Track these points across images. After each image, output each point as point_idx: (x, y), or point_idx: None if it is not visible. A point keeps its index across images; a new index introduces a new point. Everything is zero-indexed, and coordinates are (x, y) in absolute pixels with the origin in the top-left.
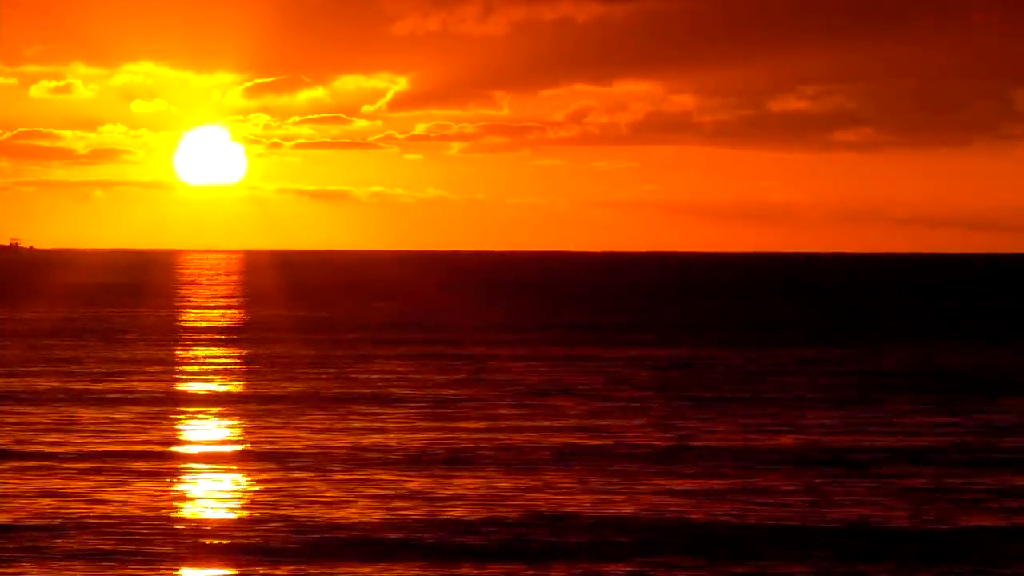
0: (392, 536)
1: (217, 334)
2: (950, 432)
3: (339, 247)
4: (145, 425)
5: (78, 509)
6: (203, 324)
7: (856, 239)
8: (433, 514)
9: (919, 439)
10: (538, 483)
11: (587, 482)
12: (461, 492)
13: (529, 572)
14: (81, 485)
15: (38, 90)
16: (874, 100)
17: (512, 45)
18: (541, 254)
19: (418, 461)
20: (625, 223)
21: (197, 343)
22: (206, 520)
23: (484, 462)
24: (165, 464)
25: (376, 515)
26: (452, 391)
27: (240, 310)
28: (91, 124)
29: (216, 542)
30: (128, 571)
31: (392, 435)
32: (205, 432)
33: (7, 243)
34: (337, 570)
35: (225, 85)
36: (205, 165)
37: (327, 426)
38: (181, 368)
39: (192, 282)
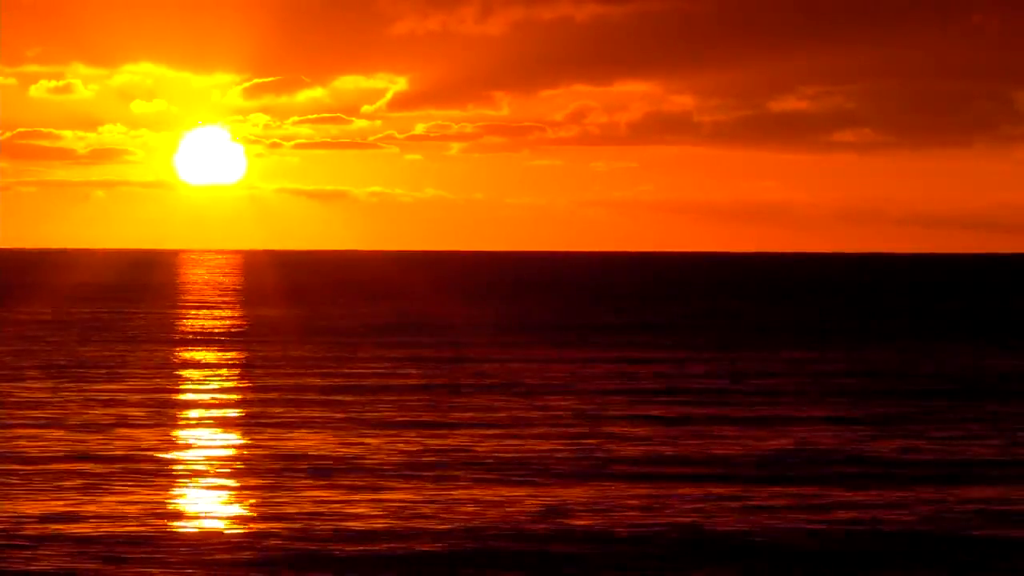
0: (400, 547)
1: (215, 335)
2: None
3: (338, 247)
4: (139, 429)
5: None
6: (201, 325)
7: (855, 239)
8: (445, 524)
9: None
10: (552, 491)
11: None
12: (471, 500)
13: None
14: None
15: (38, 90)
16: (874, 100)
17: (511, 45)
18: (540, 254)
19: (425, 468)
20: (624, 223)
21: (195, 344)
22: (202, 532)
23: (494, 469)
24: (158, 471)
25: (384, 525)
26: (460, 398)
27: (239, 310)
28: (91, 124)
29: (213, 557)
30: None
31: (399, 440)
32: (201, 438)
33: None
34: None
35: (224, 85)
36: (205, 165)
37: (328, 430)
38: (176, 370)
39: (192, 283)
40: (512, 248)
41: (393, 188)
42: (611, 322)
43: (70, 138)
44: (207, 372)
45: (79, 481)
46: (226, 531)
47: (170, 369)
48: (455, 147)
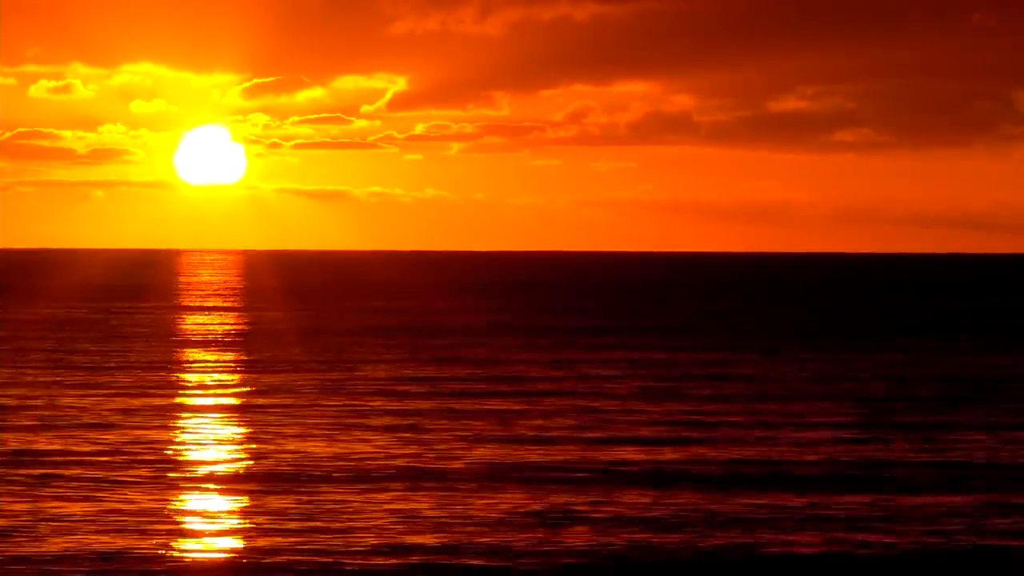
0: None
1: (216, 338)
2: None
3: (338, 247)
4: (137, 430)
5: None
6: (202, 327)
7: (855, 239)
8: (457, 540)
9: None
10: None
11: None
12: (479, 513)
13: None
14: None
15: (37, 90)
16: (873, 100)
17: (511, 45)
18: (540, 254)
19: (435, 477)
20: (624, 223)
21: (195, 346)
22: (205, 545)
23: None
24: (159, 480)
25: (392, 539)
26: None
27: (240, 312)
28: (91, 124)
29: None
30: None
31: (407, 448)
32: (201, 445)
33: None
34: None
35: (224, 85)
36: (204, 165)
37: (331, 437)
38: (176, 373)
39: (192, 283)
40: (512, 248)
41: (393, 188)
42: (605, 324)
43: (70, 138)
44: (206, 373)
45: (74, 484)
46: (227, 546)
47: (170, 370)
48: (455, 147)
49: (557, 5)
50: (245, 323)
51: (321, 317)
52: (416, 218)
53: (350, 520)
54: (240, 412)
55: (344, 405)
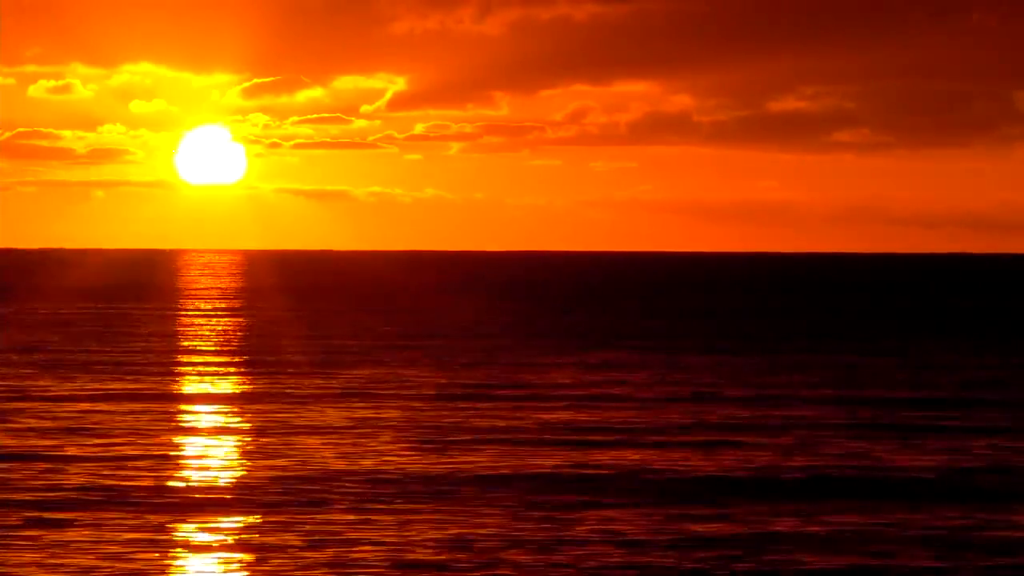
0: None
1: (216, 338)
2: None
3: (338, 247)
4: (138, 435)
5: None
6: (202, 327)
7: (855, 239)
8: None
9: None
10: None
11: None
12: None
13: None
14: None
15: (37, 90)
16: (873, 100)
17: (510, 45)
18: (540, 254)
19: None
20: (624, 223)
21: (195, 347)
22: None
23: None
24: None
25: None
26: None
27: (241, 314)
28: (90, 124)
29: None
30: None
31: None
32: (201, 461)
33: None
34: None
35: (224, 85)
36: (204, 165)
37: (335, 446)
38: (175, 375)
39: (192, 284)
40: (512, 248)
41: (393, 188)
42: (605, 325)
43: (69, 138)
44: (206, 375)
45: (69, 487)
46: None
47: (169, 372)
48: (455, 147)
49: (556, 5)
50: (246, 325)
51: (324, 319)
52: (416, 218)
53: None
54: (242, 418)
55: (347, 411)
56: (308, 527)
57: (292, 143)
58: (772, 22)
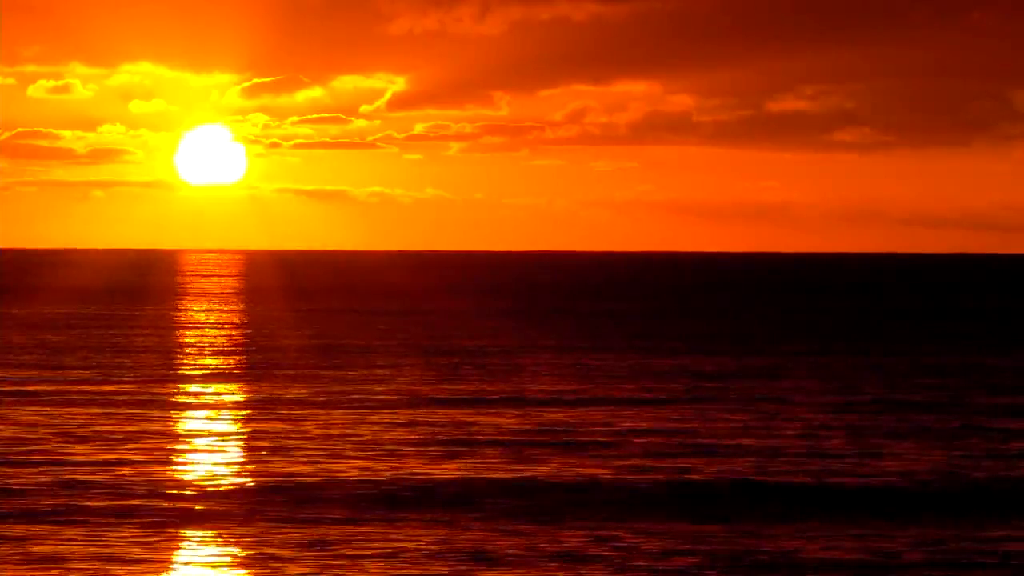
0: None
1: (217, 341)
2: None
3: (338, 247)
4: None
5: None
6: (202, 330)
7: (855, 239)
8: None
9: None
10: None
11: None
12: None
13: None
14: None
15: (36, 90)
16: (873, 100)
17: (510, 45)
18: (540, 254)
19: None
20: (624, 223)
21: (194, 351)
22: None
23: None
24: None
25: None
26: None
27: (240, 316)
28: (90, 124)
29: None
30: None
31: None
32: (202, 468)
33: None
34: None
35: (223, 85)
36: (204, 165)
37: (338, 457)
38: (174, 378)
39: (191, 284)
40: (512, 248)
41: (393, 188)
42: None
43: (69, 138)
44: (205, 380)
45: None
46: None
47: (168, 375)
48: (454, 147)
49: (556, 5)
50: (245, 326)
51: (324, 319)
52: (416, 218)
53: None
54: (245, 426)
55: (350, 417)
56: (307, 537)
57: (292, 143)
58: (772, 22)
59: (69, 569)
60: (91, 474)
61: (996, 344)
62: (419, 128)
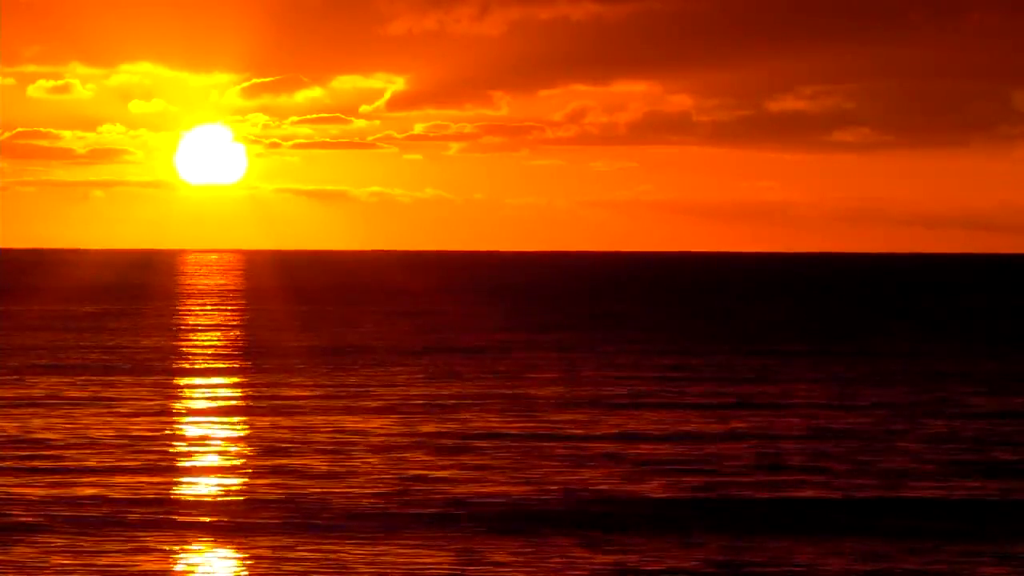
0: None
1: (217, 342)
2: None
3: (338, 247)
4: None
5: None
6: (201, 329)
7: (855, 239)
8: None
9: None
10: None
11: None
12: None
13: None
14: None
15: (36, 90)
16: (872, 100)
17: (509, 45)
18: (540, 254)
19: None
20: (624, 223)
21: (195, 351)
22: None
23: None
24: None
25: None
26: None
27: (240, 316)
28: (90, 124)
29: None
30: None
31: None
32: (203, 484)
33: None
34: None
35: (223, 85)
36: (203, 165)
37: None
38: (174, 381)
39: (191, 284)
40: (512, 248)
41: (392, 188)
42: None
43: (69, 138)
44: (204, 384)
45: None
46: None
47: (167, 379)
48: (454, 147)
49: (556, 5)
50: (245, 327)
51: (325, 319)
52: (416, 218)
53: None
54: (237, 429)
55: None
56: (307, 550)
57: (292, 143)
58: (772, 22)
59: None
60: (90, 474)
61: (996, 345)
62: (419, 128)
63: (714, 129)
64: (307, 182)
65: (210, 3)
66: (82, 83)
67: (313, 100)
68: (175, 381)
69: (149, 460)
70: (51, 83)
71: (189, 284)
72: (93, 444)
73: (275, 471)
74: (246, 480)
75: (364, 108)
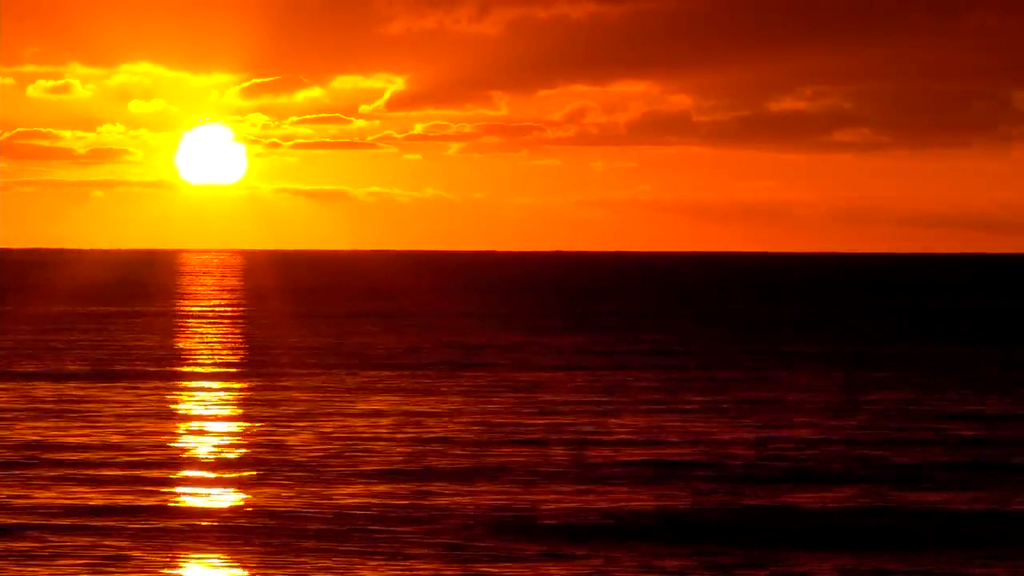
0: None
1: (218, 343)
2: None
3: (337, 247)
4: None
5: None
6: (201, 329)
7: (855, 239)
8: None
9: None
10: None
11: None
12: None
13: None
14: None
15: (36, 90)
16: (872, 100)
17: (508, 45)
18: (540, 254)
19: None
20: (623, 223)
21: (194, 351)
22: None
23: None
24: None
25: None
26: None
27: (240, 316)
28: (90, 124)
29: None
30: None
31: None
32: (202, 497)
33: None
34: None
35: (223, 85)
36: (203, 165)
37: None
38: (173, 384)
39: (191, 284)
40: (512, 248)
41: (392, 188)
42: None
43: (69, 138)
44: (204, 387)
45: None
46: None
47: (164, 376)
48: (454, 147)
49: (555, 4)
50: (245, 328)
51: (325, 320)
52: (415, 218)
53: None
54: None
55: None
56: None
57: (291, 143)
58: (772, 22)
59: None
60: (91, 477)
61: (995, 346)
62: (418, 128)
63: (713, 129)
64: (306, 182)
65: (210, 3)
66: (82, 83)
67: (313, 100)
68: (170, 384)
69: (135, 467)
70: (51, 83)
71: (189, 284)
72: (87, 448)
73: (265, 481)
74: (236, 490)
75: (364, 108)
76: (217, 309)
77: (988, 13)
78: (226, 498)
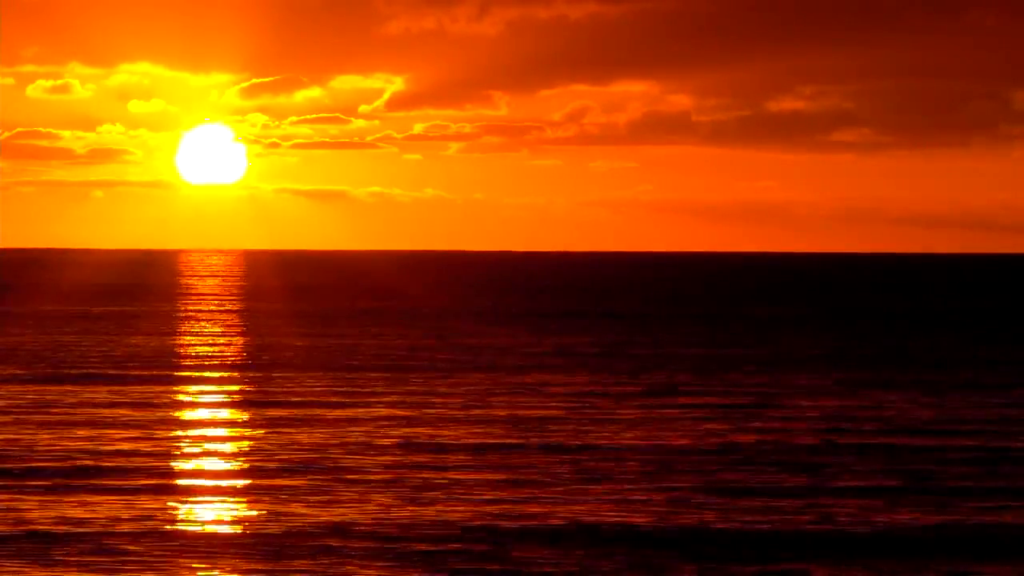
0: None
1: (218, 342)
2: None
3: (337, 247)
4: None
5: None
6: (201, 329)
7: (855, 239)
8: None
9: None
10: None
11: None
12: None
13: None
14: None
15: (35, 90)
16: (872, 100)
17: (508, 45)
18: (540, 254)
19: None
20: (624, 223)
21: (194, 351)
22: None
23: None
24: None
25: None
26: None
27: (240, 317)
28: (89, 124)
29: None
30: None
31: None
32: (202, 512)
33: None
34: None
35: (222, 85)
36: (203, 165)
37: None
38: (173, 385)
39: (191, 284)
40: (512, 248)
41: (392, 188)
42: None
43: (68, 138)
44: (204, 389)
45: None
46: None
47: (164, 377)
48: (454, 147)
49: (555, 4)
50: (245, 328)
51: (325, 320)
52: (415, 218)
53: None
54: (240, 478)
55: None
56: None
57: (291, 143)
58: (772, 22)
59: None
60: (90, 479)
61: (996, 346)
62: (418, 128)
63: (713, 129)
64: (306, 182)
65: (210, 3)
66: (81, 83)
67: (312, 100)
68: (167, 386)
69: (135, 471)
70: (50, 83)
71: (188, 284)
72: (83, 454)
73: (263, 490)
74: (232, 499)
75: (363, 108)
76: (217, 309)
77: (988, 13)
78: (221, 507)
